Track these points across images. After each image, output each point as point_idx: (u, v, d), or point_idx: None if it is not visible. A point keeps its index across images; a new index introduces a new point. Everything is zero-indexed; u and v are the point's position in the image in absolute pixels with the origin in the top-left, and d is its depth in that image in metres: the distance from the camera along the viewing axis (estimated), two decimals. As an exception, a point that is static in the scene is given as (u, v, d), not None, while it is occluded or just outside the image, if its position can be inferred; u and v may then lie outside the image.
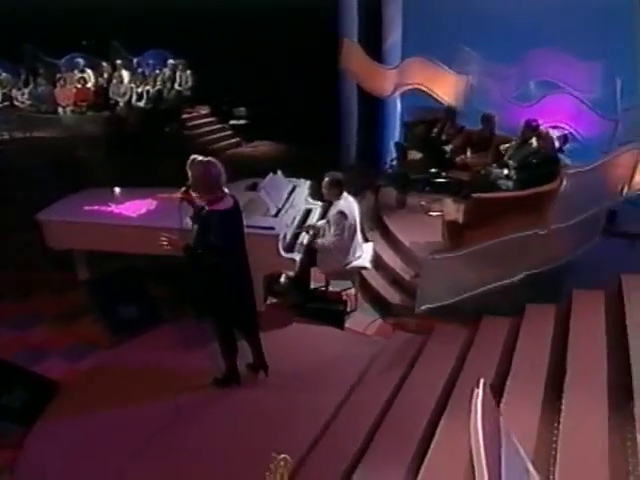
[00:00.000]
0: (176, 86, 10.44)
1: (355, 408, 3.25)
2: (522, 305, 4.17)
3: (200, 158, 3.17)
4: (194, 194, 3.20)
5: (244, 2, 9.65)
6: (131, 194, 4.88)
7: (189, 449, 3.06)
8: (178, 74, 10.54)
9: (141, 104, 10.16)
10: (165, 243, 3.15)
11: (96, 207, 4.60)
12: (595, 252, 4.94)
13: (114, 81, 10.45)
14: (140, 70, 10.95)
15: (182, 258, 3.29)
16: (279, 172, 5.09)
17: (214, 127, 10.57)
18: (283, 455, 1.63)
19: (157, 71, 10.76)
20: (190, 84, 10.49)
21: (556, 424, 2.56)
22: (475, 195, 4.58)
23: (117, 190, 5.07)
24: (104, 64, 10.90)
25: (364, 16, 8.47)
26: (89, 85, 10.47)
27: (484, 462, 1.38)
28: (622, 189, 4.85)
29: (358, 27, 8.48)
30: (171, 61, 10.72)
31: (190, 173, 3.16)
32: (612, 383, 2.80)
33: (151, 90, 10.20)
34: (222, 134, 10.53)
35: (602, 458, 2.29)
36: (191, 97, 10.51)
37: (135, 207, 4.59)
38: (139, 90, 10.24)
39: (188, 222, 3.41)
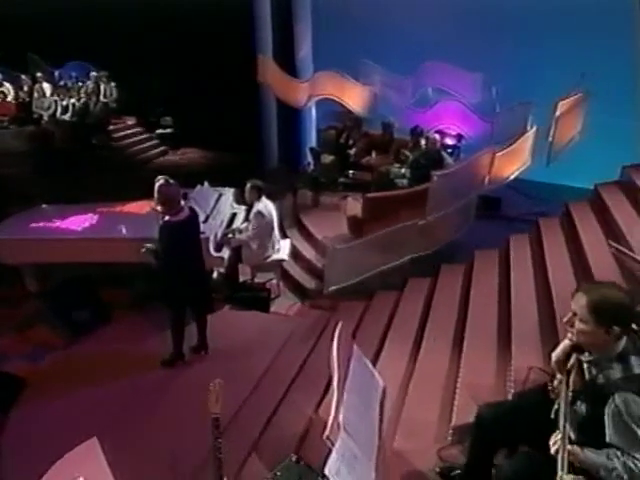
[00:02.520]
0: (101, 98, 10.74)
1: (279, 369, 4.18)
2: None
3: (161, 179, 3.90)
4: (158, 207, 3.91)
5: (165, 13, 10.09)
6: (72, 210, 5.48)
7: (147, 417, 3.81)
8: (102, 86, 10.81)
9: (66, 117, 10.35)
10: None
11: (42, 224, 5.16)
12: (481, 233, 6.16)
13: (36, 94, 10.52)
14: (62, 82, 11.11)
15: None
16: (206, 183, 5.86)
17: (141, 137, 10.98)
18: (218, 380, 2.46)
19: (80, 83, 10.96)
20: (115, 96, 10.83)
21: (415, 359, 3.66)
22: (369, 194, 5.64)
23: (58, 207, 5.63)
24: (23, 77, 10.95)
25: (277, 32, 9.34)
26: (9, 99, 10.53)
27: (336, 370, 2.33)
28: (483, 182, 6.09)
29: (272, 43, 9.35)
30: (94, 73, 10.96)
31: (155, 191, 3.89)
32: (457, 333, 3.93)
33: (76, 103, 10.39)
34: (150, 143, 10.97)
35: (440, 376, 3.41)
36: (117, 108, 10.85)
37: (79, 222, 5.19)
38: (64, 103, 10.40)
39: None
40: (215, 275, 5.66)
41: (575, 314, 1.92)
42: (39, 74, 10.85)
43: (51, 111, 10.37)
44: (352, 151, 8.00)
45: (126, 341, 4.75)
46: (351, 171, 7.69)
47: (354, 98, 9.01)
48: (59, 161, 9.22)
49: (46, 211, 5.45)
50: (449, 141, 8.81)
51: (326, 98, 9.19)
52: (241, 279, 5.64)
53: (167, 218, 3.90)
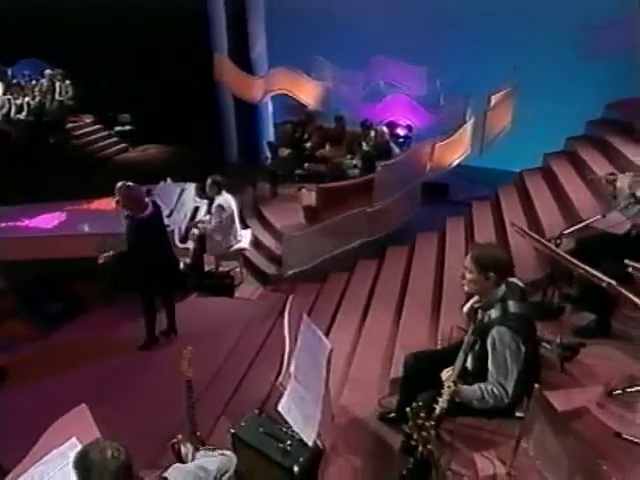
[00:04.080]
0: (57, 96, 10.69)
1: (243, 346, 4.65)
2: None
3: (120, 185, 4.23)
4: (124, 210, 4.25)
5: (120, 11, 10.13)
6: (40, 209, 5.73)
7: (128, 390, 4.19)
8: (57, 84, 10.75)
9: (22, 116, 10.28)
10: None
11: (11, 223, 5.40)
12: (429, 218, 6.73)
13: (-13, 93, 10.44)
14: (15, 81, 11.01)
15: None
16: (169, 179, 6.20)
17: (101, 134, 11.03)
18: (189, 347, 2.90)
19: (34, 82, 10.87)
20: (71, 94, 10.81)
21: (362, 327, 4.22)
22: (321, 185, 6.14)
23: (17, 208, 5.83)
24: (-27, 76, 10.80)
25: (232, 31, 9.62)
26: (-40, 98, 10.38)
27: (287, 335, 2.82)
28: (425, 171, 6.68)
29: (227, 41, 9.63)
30: (48, 71, 10.85)
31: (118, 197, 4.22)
32: (398, 303, 4.51)
33: (31, 102, 10.33)
34: (109, 141, 11.04)
35: (383, 340, 3.98)
36: (74, 106, 10.83)
37: (47, 220, 5.46)
38: (18, 102, 10.31)
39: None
40: (181, 265, 6.04)
41: (466, 268, 2.50)
42: (-11, 73, 10.73)
43: (5, 110, 10.27)
44: (307, 144, 8.44)
45: (101, 330, 5.11)
46: (306, 164, 8.15)
47: (307, 93, 9.46)
48: (16, 161, 9.23)
49: (11, 211, 5.65)
50: (400, 132, 9.38)
51: (281, 93, 9.60)
52: (206, 268, 6.05)
53: (133, 217, 4.26)
